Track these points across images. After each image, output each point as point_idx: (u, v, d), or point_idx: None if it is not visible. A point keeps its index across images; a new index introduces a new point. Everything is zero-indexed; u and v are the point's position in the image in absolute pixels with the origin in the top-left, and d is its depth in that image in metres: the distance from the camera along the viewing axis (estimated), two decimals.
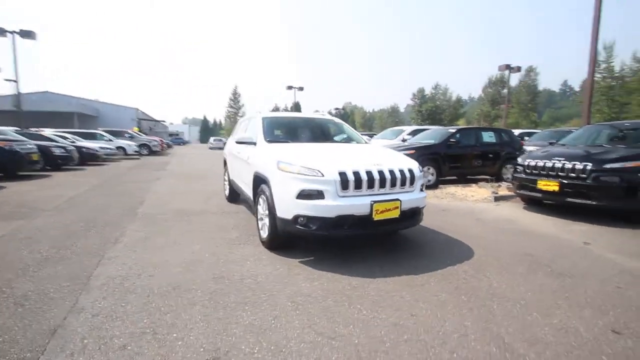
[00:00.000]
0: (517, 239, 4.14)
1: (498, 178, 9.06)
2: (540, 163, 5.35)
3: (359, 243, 3.79)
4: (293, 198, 3.06)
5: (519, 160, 5.92)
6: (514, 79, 55.33)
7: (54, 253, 3.39)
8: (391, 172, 3.23)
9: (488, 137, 9.16)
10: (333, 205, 2.97)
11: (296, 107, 74.19)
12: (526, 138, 12.97)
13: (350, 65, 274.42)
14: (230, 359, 1.81)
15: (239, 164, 4.92)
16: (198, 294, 2.57)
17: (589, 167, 4.77)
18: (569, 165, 4.97)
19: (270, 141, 4.12)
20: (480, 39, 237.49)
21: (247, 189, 4.39)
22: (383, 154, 3.83)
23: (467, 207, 6.13)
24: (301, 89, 30.83)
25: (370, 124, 75.58)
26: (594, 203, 4.74)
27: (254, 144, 4.22)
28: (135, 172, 11.54)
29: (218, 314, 2.27)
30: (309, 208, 3.00)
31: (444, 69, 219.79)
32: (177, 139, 56.47)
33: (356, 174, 3.08)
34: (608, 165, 4.67)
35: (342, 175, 3.04)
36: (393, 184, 3.24)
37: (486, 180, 8.76)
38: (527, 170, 5.59)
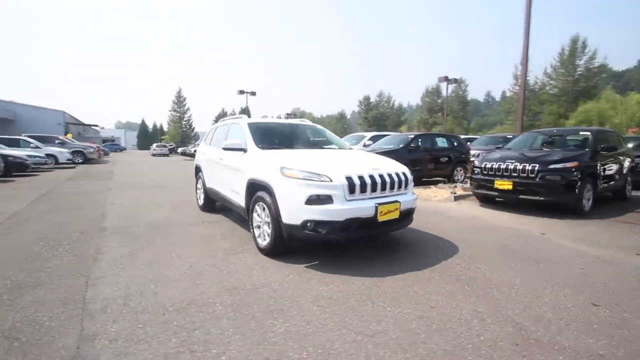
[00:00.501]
0: (489, 233, 4.64)
1: (449, 179, 9.94)
2: (496, 165, 6.05)
3: (355, 245, 3.93)
4: (301, 204, 3.10)
5: (476, 163, 6.61)
6: (448, 90, 60.83)
7: (26, 277, 2.96)
8: (389, 175, 3.44)
9: (441, 142, 10.02)
10: (342, 209, 3.07)
11: (246, 112, 72.68)
12: (468, 143, 14.40)
13: (299, 71, 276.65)
14: None
15: (222, 171, 4.76)
16: (218, 307, 2.47)
17: (536, 168, 5.54)
18: (520, 166, 5.71)
19: (262, 147, 4.08)
20: (419, 52, 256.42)
21: (237, 197, 4.28)
22: (377, 158, 4.03)
23: (433, 206, 6.65)
24: (253, 93, 30.29)
25: None
26: (541, 198, 5.51)
27: (244, 150, 4.15)
28: (78, 183, 10.33)
29: (250, 325, 2.23)
30: (318, 213, 3.06)
31: (387, 78, 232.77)
32: (113, 145, 51.46)
33: (361, 178, 3.22)
34: (552, 166, 5.47)
35: (349, 179, 3.16)
36: (392, 187, 3.45)
37: (443, 182, 9.55)
38: (484, 172, 6.27)
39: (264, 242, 3.60)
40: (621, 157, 6.63)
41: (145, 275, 3.05)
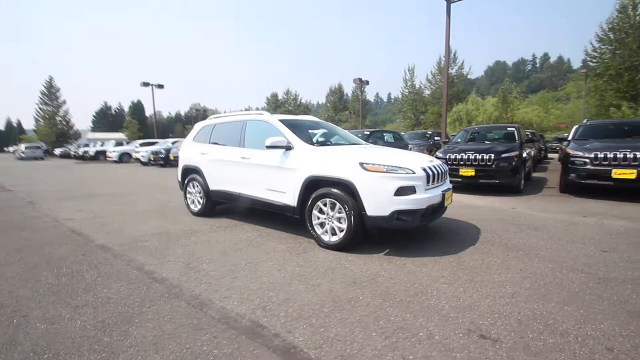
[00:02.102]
0: (476, 211, 5.62)
1: None
2: (459, 156, 7.26)
3: (394, 235, 4.28)
4: (391, 195, 3.31)
5: (440, 154, 7.75)
6: (348, 90, 65.76)
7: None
8: (440, 166, 3.93)
9: (389, 137, 11.18)
10: (424, 198, 3.41)
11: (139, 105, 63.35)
12: None
13: (204, 67, 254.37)
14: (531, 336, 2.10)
15: (249, 170, 4.45)
16: (367, 299, 2.53)
17: (492, 157, 6.90)
18: (479, 156, 7.00)
19: (314, 144, 4.07)
20: (323, 54, 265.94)
21: (279, 196, 4.13)
22: (415, 153, 4.49)
23: None
24: (161, 86, 26.86)
25: None
26: (497, 181, 6.91)
27: (289, 148, 4.03)
28: None
29: (430, 302, 2.40)
30: (405, 203, 3.33)
31: (294, 75, 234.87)
32: None
33: (431, 170, 3.62)
34: (503, 155, 6.91)
35: (425, 171, 3.51)
36: (444, 177, 3.96)
37: None
38: (449, 162, 7.42)
39: (333, 238, 3.65)
40: (532, 147, 8.76)
41: (261, 289, 2.79)
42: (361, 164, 3.46)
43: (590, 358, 1.82)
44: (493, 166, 6.89)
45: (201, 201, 5.33)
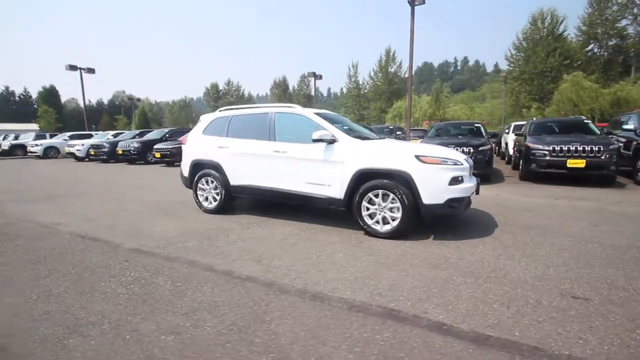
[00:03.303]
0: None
1: None
2: None
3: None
4: (446, 185, 3.63)
5: None
6: (293, 82, 65.49)
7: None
8: (468, 160, 4.39)
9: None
10: (470, 186, 3.81)
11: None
12: None
13: (123, 50, 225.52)
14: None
15: (286, 164, 4.39)
16: (465, 280, 2.80)
17: (471, 150, 7.74)
18: (460, 149, 7.80)
19: (356, 138, 4.19)
20: (266, 44, 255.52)
21: (321, 190, 4.18)
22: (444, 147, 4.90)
23: None
24: (91, 70, 23.42)
25: (159, 118, 67.15)
26: (475, 172, 7.76)
27: (333, 141, 4.09)
28: None
29: (526, 286, 2.75)
30: (457, 191, 3.69)
31: (237, 66, 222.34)
32: None
33: (468, 162, 4.03)
34: (480, 148, 7.80)
35: (468, 162, 3.90)
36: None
37: None
38: None
39: (385, 227, 3.85)
40: (493, 141, 9.97)
41: (358, 278, 2.86)
42: (417, 157, 3.71)
43: None
44: (472, 158, 7.74)
45: (217, 198, 5.06)
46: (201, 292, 2.59)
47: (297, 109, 4.62)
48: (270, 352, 1.88)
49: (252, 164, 4.69)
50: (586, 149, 7.05)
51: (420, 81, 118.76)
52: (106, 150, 15.33)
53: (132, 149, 14.06)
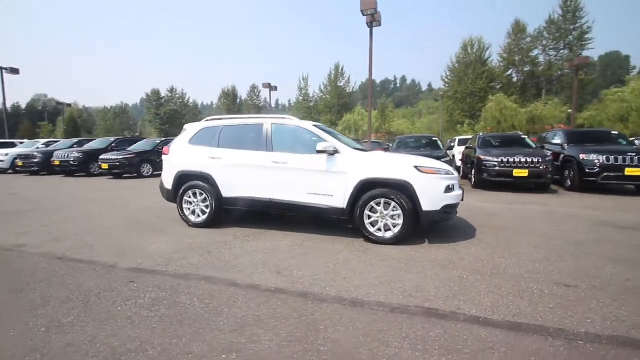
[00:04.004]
0: None
1: None
2: None
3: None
4: (442, 193, 3.99)
5: None
6: (243, 94, 64.34)
7: None
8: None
9: None
10: (460, 194, 4.23)
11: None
12: None
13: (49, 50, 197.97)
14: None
15: (286, 175, 4.40)
16: (480, 278, 3.11)
17: None
18: None
19: (356, 150, 4.38)
20: (219, 52, 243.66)
21: (323, 200, 4.29)
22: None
23: None
24: (15, 71, 20.25)
25: (89, 125, 60.46)
26: None
27: (335, 153, 4.24)
28: None
29: (526, 278, 3.13)
30: (452, 198, 4.08)
31: (179, 72, 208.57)
32: None
33: (457, 172, 4.47)
34: (442, 160, 8.53)
35: (457, 172, 4.33)
36: None
37: None
38: None
39: (387, 234, 4.09)
40: (449, 153, 11.00)
41: (385, 283, 2.98)
42: (416, 167, 4.03)
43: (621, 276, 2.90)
44: None
45: (207, 211, 4.84)
46: (238, 308, 2.51)
47: (295, 120, 4.70)
48: (342, 359, 1.93)
49: (248, 175, 4.61)
50: (528, 160, 8.18)
51: (364, 96, 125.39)
52: (37, 161, 13.47)
53: (73, 159, 12.56)
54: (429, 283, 2.97)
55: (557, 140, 9.64)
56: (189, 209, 4.95)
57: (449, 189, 4.09)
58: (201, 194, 4.86)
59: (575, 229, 4.83)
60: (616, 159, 7.66)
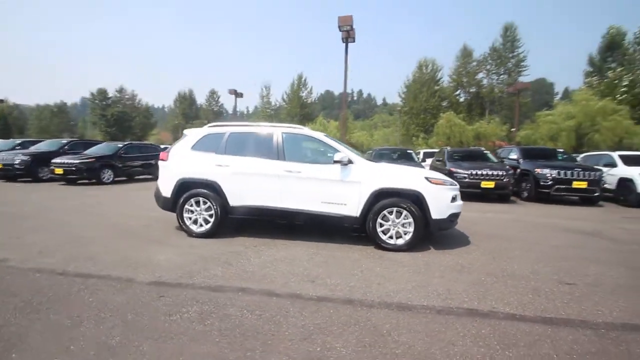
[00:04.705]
0: None
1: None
2: None
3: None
4: (449, 202, 4.31)
5: None
6: (201, 99, 62.02)
7: None
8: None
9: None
10: (461, 204, 4.59)
11: None
12: None
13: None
14: None
15: (299, 184, 4.42)
16: (496, 280, 3.41)
17: None
18: None
19: (368, 159, 4.56)
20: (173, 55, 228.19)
21: (337, 208, 4.40)
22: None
23: None
24: None
25: (20, 123, 53.52)
26: None
27: (349, 162, 4.38)
28: None
29: (531, 278, 3.48)
30: (456, 207, 4.42)
31: (129, 71, 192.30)
32: None
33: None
34: None
35: (457, 184, 4.70)
36: None
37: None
38: None
39: (399, 241, 4.30)
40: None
41: (417, 288, 3.13)
42: (427, 178, 4.32)
43: (611, 278, 3.40)
44: None
45: (211, 220, 4.65)
46: (293, 317, 2.50)
47: (305, 130, 4.76)
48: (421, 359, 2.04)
49: (258, 184, 4.55)
50: (494, 173, 9.06)
51: (323, 107, 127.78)
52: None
53: (18, 162, 11.11)
54: (456, 286, 3.21)
55: (513, 156, 10.80)
56: (191, 218, 4.72)
57: (453, 199, 4.43)
58: (205, 203, 4.66)
59: (548, 236, 5.48)
60: (565, 174, 8.81)
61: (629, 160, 9.50)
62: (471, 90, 39.94)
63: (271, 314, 2.55)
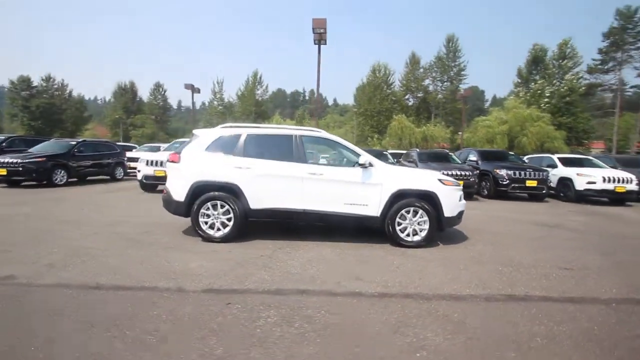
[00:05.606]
0: None
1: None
2: None
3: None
4: (458, 201, 4.77)
5: None
6: (145, 95, 57.37)
7: None
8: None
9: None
10: (465, 202, 5.09)
11: None
12: None
13: None
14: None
15: (324, 186, 4.53)
16: (514, 270, 3.89)
17: None
18: None
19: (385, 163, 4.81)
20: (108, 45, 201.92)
21: (359, 209, 4.60)
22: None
23: None
24: None
25: None
26: None
27: (370, 165, 4.60)
28: None
29: (540, 266, 4.02)
30: (462, 206, 4.90)
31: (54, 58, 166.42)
32: None
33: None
34: None
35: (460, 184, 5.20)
36: None
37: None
38: None
39: (415, 237, 4.64)
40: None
41: (451, 282, 3.44)
42: (440, 180, 4.72)
43: (596, 264, 4.11)
44: None
45: (229, 224, 4.54)
46: (375, 314, 2.66)
47: (324, 133, 4.88)
48: (505, 344, 2.34)
49: (281, 186, 4.55)
50: (462, 173, 9.99)
51: (275, 105, 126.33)
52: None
53: None
54: (485, 276, 3.62)
55: (473, 158, 11.99)
56: (207, 222, 4.54)
57: (460, 198, 4.91)
58: (222, 206, 4.53)
59: (524, 228, 6.30)
60: (520, 174, 10.08)
61: (566, 162, 11.18)
62: (419, 95, 42.88)
63: (349, 313, 2.67)
